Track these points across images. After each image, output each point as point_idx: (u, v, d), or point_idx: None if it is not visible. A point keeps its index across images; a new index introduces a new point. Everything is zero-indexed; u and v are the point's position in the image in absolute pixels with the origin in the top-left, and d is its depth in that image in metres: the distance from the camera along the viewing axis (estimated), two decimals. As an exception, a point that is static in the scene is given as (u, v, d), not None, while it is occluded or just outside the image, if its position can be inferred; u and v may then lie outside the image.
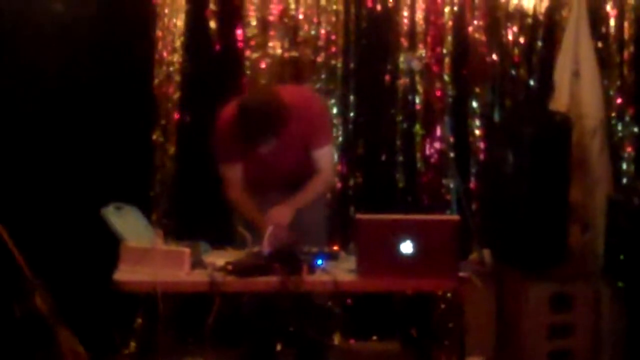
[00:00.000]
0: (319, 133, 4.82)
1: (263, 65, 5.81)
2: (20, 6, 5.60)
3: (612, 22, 5.90)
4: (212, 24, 5.81)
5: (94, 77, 5.62)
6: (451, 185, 5.84)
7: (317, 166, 4.82)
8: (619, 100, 5.90)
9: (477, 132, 5.95)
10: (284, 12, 5.84)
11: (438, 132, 5.91)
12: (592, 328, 4.98)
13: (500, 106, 5.96)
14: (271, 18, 5.83)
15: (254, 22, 5.82)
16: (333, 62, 5.89)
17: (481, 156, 5.93)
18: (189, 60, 5.80)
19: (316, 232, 4.83)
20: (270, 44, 5.83)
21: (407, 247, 4.20)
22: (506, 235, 5.06)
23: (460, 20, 5.95)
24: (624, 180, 5.82)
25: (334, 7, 5.87)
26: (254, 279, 4.23)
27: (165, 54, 5.77)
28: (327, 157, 4.88)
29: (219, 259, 4.41)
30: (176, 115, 5.79)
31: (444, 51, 5.94)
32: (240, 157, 4.77)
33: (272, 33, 5.83)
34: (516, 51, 5.97)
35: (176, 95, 5.79)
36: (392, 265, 4.22)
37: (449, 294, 5.57)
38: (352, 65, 5.92)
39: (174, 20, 5.78)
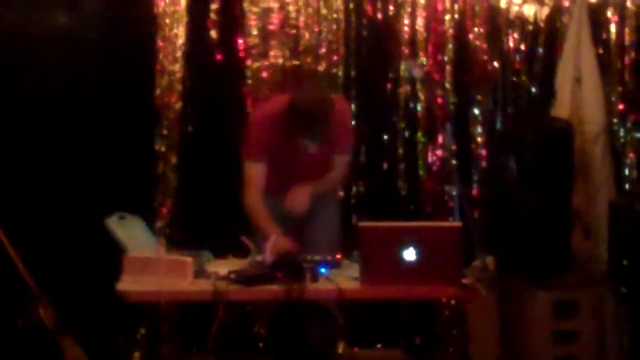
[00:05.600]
0: (347, 141, 5.02)
1: (264, 75, 5.82)
2: (21, 17, 5.62)
3: (612, 28, 5.89)
4: (213, 34, 5.81)
5: (96, 87, 5.64)
6: (453, 193, 5.82)
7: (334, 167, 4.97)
8: (620, 106, 5.89)
9: (479, 139, 5.94)
10: (285, 21, 5.84)
11: (440, 139, 5.91)
12: (597, 334, 4.97)
13: (502, 113, 5.95)
14: (272, 27, 5.82)
15: (255, 32, 5.82)
16: (334, 70, 5.88)
17: (483, 163, 5.92)
18: (190, 70, 5.80)
19: (329, 241, 4.87)
20: (272, 53, 5.84)
21: (409, 255, 4.20)
22: (509, 242, 5.06)
23: (461, 27, 5.93)
24: (626, 186, 5.80)
25: (335, 15, 5.86)
26: (257, 288, 4.24)
27: (166, 63, 5.76)
28: (345, 163, 5.09)
29: (221, 268, 4.41)
30: (178, 125, 5.80)
31: (445, 59, 5.92)
32: (268, 157, 4.80)
33: (273, 42, 5.83)
34: (517, 58, 5.96)
35: (178, 105, 5.79)
36: (395, 273, 4.22)
37: (452, 301, 5.56)
38: (353, 73, 5.91)
39: (175, 30, 5.77)
